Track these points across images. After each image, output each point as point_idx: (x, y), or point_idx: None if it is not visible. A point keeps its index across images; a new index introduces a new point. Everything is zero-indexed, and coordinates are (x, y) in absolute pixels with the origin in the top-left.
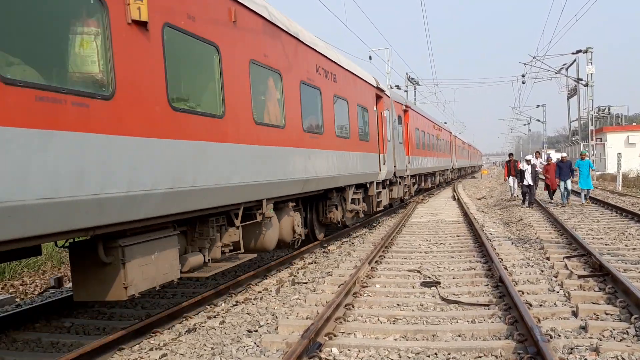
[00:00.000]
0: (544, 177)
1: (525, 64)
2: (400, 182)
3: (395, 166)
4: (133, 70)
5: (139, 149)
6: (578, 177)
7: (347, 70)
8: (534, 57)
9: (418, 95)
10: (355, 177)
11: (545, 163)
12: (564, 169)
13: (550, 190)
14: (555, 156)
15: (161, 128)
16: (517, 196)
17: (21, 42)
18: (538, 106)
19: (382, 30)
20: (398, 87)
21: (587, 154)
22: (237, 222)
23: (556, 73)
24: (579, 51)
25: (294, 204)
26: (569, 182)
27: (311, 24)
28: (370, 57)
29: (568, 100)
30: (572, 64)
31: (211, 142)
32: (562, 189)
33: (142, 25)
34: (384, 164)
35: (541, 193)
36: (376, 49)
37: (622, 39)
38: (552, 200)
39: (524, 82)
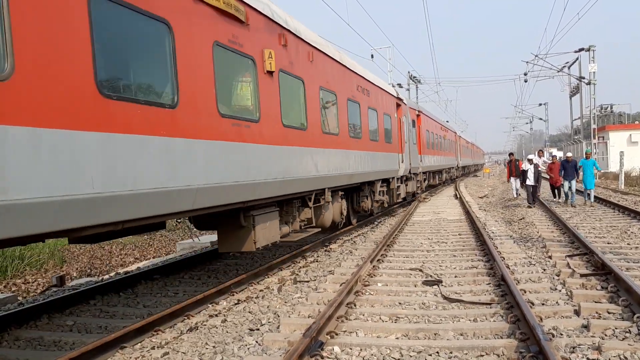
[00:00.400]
0: (547, 176)
1: (527, 62)
2: (414, 178)
3: (410, 164)
4: (268, 103)
5: (271, 153)
6: (582, 176)
7: (376, 85)
8: (536, 56)
9: (420, 94)
10: (382, 173)
11: (549, 161)
12: (568, 169)
13: (554, 189)
14: (557, 155)
15: (279, 140)
16: (520, 195)
17: (228, 96)
18: (540, 104)
19: (384, 29)
20: (400, 85)
21: (592, 152)
22: (310, 204)
23: (558, 71)
24: (581, 49)
25: (342, 193)
26: (573, 182)
27: (313, 22)
28: (372, 56)
29: (570, 98)
30: (574, 62)
31: (300, 147)
32: (567, 189)
33: (270, 73)
34: (402, 162)
35: (544, 192)
36: (378, 48)
37: (624, 37)
38: (556, 200)
39: (526, 81)
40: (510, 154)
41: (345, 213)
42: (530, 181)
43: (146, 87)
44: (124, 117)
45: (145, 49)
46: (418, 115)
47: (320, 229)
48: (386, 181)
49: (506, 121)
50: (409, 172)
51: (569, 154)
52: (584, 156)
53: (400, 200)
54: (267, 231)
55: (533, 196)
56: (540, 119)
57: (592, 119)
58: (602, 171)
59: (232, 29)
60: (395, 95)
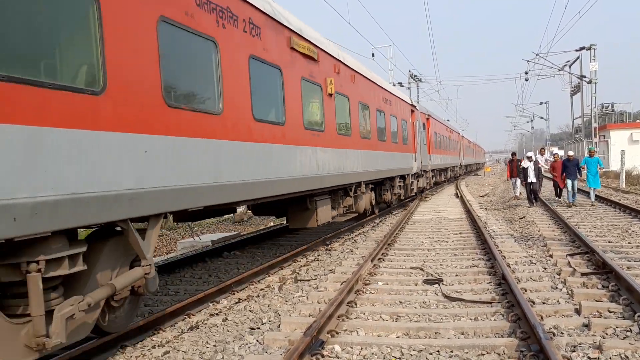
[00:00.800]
0: (550, 175)
1: (528, 61)
2: (424, 175)
3: (421, 162)
4: (329, 117)
5: (332, 153)
6: (585, 175)
7: (396, 95)
8: (537, 54)
9: (421, 93)
10: (400, 170)
11: (551, 160)
12: (570, 167)
13: (557, 188)
14: (558, 153)
15: (335, 144)
16: (520, 193)
17: (309, 114)
18: (541, 103)
19: (385, 28)
20: (401, 84)
21: (596, 150)
22: (351, 194)
23: (559, 70)
24: (582, 48)
25: (371, 186)
26: (575, 181)
27: (314, 22)
28: (373, 55)
29: (571, 97)
30: (575, 61)
31: (348, 149)
32: (570, 188)
33: (330, 95)
34: (415, 161)
35: (545, 191)
36: (379, 46)
37: (625, 37)
38: (558, 199)
39: (527, 79)
40: (513, 154)
41: (373, 203)
42: (530, 179)
43: (270, 112)
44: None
45: (271, 86)
46: (427, 119)
47: (356, 214)
48: (403, 177)
49: (507, 120)
50: (420, 169)
51: (570, 153)
52: (588, 154)
53: (412, 194)
54: (324, 213)
55: (534, 195)
56: (541, 117)
57: (593, 117)
58: (603, 169)
59: (310, 67)
60: (409, 102)
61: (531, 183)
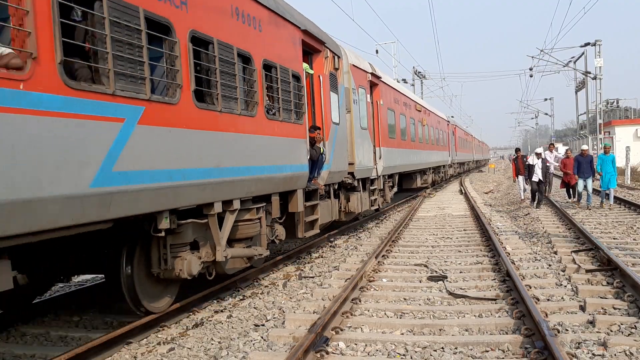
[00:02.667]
0: (561, 174)
1: (532, 57)
2: (453, 166)
3: (454, 158)
4: (383, 125)
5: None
6: (601, 175)
7: (432, 111)
8: (541, 50)
9: (425, 89)
10: (437, 162)
11: (563, 156)
12: (583, 164)
13: (569, 188)
14: (562, 150)
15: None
16: (528, 198)
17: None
18: (546, 99)
19: (389, 24)
20: (405, 80)
21: (612, 146)
22: (419, 177)
23: (564, 66)
24: (587, 44)
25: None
26: (589, 180)
27: (317, 18)
28: (377, 51)
29: (576, 93)
30: (580, 57)
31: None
32: (581, 188)
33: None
34: (449, 156)
35: (555, 193)
36: (383, 43)
37: (631, 32)
38: (569, 201)
39: (531, 76)
40: (517, 150)
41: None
42: (537, 177)
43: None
44: None
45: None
46: (455, 128)
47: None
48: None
49: (511, 116)
50: (451, 162)
51: (585, 147)
52: (602, 150)
53: (448, 177)
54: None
55: (539, 195)
56: (546, 114)
57: (598, 113)
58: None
59: (421, 115)
60: (445, 119)
61: (538, 182)
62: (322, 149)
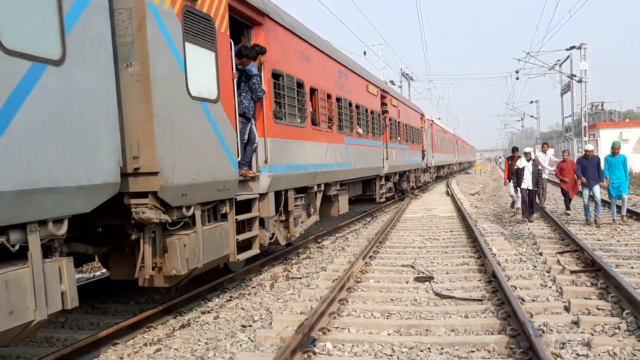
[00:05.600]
0: (558, 181)
1: (519, 59)
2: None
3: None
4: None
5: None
6: (608, 182)
7: (444, 125)
8: (527, 53)
9: (412, 91)
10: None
11: (558, 160)
12: (589, 168)
13: (568, 198)
14: (568, 151)
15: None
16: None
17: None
18: (532, 102)
19: (376, 26)
20: (392, 82)
21: (621, 146)
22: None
23: (550, 69)
24: (572, 47)
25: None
26: (597, 188)
27: (305, 19)
28: (364, 53)
29: (562, 96)
30: (565, 60)
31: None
32: (587, 199)
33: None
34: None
35: (553, 204)
36: (371, 45)
37: (615, 36)
38: (569, 213)
39: (517, 78)
40: (514, 149)
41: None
42: (526, 184)
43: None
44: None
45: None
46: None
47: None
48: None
49: (497, 118)
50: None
51: (590, 147)
52: (610, 152)
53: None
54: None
55: (531, 205)
56: (532, 116)
57: (583, 116)
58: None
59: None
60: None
61: (528, 190)
62: None
